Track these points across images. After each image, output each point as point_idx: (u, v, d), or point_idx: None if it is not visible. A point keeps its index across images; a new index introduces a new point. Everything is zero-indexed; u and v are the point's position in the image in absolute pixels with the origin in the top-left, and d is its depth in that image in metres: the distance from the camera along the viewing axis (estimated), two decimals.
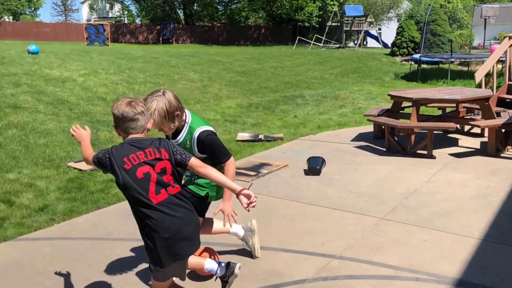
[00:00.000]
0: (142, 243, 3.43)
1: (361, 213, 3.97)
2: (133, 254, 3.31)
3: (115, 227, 3.79)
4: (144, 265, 3.11)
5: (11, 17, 44.22)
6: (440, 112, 7.55)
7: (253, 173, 5.26)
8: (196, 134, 2.71)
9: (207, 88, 11.94)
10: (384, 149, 6.09)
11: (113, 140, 6.81)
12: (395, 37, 22.08)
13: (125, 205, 4.29)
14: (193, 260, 2.63)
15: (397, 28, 22.59)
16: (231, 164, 2.81)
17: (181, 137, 2.77)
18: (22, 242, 3.54)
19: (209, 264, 2.68)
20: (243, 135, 7.33)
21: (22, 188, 4.82)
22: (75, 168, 5.50)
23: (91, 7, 50.65)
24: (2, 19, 41.44)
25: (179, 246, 2.25)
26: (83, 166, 5.57)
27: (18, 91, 8.95)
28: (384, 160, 5.66)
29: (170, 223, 2.21)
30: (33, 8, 47.55)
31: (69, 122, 7.57)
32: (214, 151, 2.75)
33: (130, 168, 2.18)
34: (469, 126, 6.85)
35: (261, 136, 7.14)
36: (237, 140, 7.06)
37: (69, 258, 3.23)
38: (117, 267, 3.12)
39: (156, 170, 2.22)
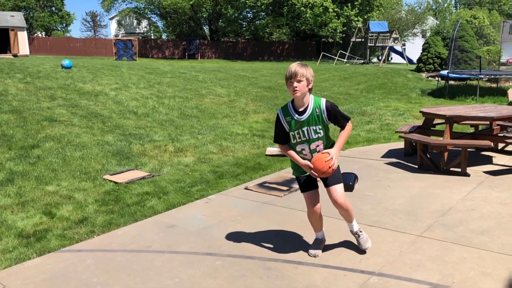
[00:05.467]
0: (181, 255, 3.51)
1: (397, 230, 3.95)
2: (172, 266, 3.37)
3: (153, 239, 3.87)
4: (184, 277, 3.17)
5: (43, 33, 45.71)
6: (472, 130, 7.46)
7: (285, 188, 5.29)
8: (323, 102, 3.16)
9: (234, 103, 12.08)
10: (416, 166, 6.05)
11: (146, 153, 6.95)
12: (421, 53, 21.96)
13: (162, 218, 4.39)
14: None
15: (423, 44, 22.48)
16: (349, 125, 3.29)
17: (310, 103, 3.16)
18: (66, 253, 3.65)
19: None
20: (272, 150, 7.38)
21: (61, 200, 4.97)
22: (111, 181, 5.64)
23: (119, 23, 51.88)
24: (36, 34, 42.89)
25: None
26: (118, 178, 5.71)
27: (54, 104, 9.24)
28: (417, 177, 5.63)
29: None
30: (64, 24, 49.07)
31: (102, 135, 7.78)
32: (339, 118, 3.22)
33: None
34: (503, 144, 6.75)
35: None
36: (266, 155, 7.12)
37: (112, 270, 3.32)
38: (159, 278, 3.18)
39: None
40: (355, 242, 3.59)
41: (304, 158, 3.28)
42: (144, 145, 7.37)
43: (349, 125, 3.26)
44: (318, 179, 3.35)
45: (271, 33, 42.36)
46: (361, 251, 3.53)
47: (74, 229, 4.19)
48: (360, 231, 3.52)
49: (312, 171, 3.16)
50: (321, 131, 3.20)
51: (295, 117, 3.18)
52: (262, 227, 4.10)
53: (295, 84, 3.07)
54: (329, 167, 3.10)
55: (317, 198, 3.38)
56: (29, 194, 5.13)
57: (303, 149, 3.26)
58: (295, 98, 3.16)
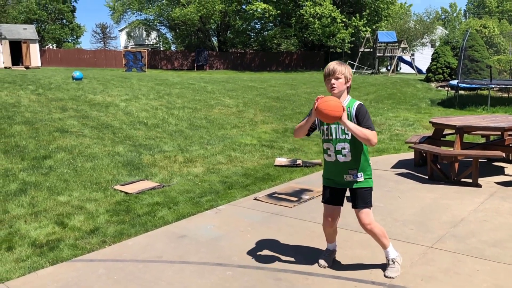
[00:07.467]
0: (191, 265, 3.53)
1: (408, 241, 3.93)
2: (183, 276, 3.38)
3: (164, 250, 3.89)
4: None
5: (54, 45, 46.35)
6: (483, 140, 7.42)
7: (294, 199, 5.30)
8: (356, 103, 3.15)
9: (243, 113, 12.12)
10: (426, 177, 6.02)
11: (156, 163, 7.00)
12: (431, 63, 21.91)
13: (172, 228, 4.41)
14: None
15: (433, 54, 22.44)
16: (372, 132, 3.08)
17: (345, 102, 3.15)
18: (78, 263, 3.68)
19: None
20: (281, 160, 7.40)
21: (73, 210, 5.02)
22: (122, 191, 5.68)
23: (129, 35, 52.49)
24: (47, 46, 43.52)
25: None
26: (129, 189, 5.75)
27: (65, 116, 9.36)
28: (427, 188, 5.60)
29: None
30: (75, 36, 49.76)
31: (113, 146, 7.85)
32: (364, 122, 3.12)
33: None
34: None
35: (299, 162, 7.19)
36: (275, 165, 7.13)
37: (123, 280, 3.34)
38: None
39: None
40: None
41: (328, 159, 3.27)
42: (154, 156, 7.42)
43: (372, 131, 3.06)
44: (347, 200, 3.33)
45: (279, 43, 42.57)
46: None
47: (86, 239, 4.23)
48: (393, 261, 3.32)
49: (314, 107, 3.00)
50: (349, 133, 3.13)
51: None
52: (272, 237, 4.11)
53: (333, 81, 3.10)
54: (333, 107, 2.90)
55: (335, 213, 3.34)
56: (42, 204, 5.19)
57: (328, 148, 3.24)
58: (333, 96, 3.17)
